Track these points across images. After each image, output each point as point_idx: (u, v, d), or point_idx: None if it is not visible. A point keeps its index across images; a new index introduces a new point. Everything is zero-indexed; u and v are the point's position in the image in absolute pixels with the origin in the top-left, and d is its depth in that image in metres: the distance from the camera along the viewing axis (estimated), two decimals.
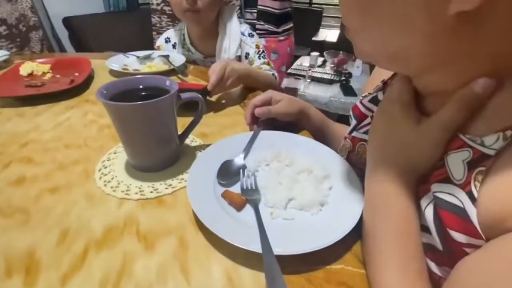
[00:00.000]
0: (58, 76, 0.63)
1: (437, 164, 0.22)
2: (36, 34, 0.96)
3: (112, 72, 0.68)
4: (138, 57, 0.74)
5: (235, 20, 0.77)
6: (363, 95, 0.35)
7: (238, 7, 0.99)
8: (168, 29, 0.87)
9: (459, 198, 0.19)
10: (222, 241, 0.24)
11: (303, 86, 1.60)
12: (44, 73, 0.64)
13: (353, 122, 0.37)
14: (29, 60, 0.67)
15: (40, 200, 0.30)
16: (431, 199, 0.21)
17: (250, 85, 0.62)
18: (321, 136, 0.46)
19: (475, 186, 0.18)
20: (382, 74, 0.34)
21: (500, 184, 0.17)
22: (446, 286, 0.18)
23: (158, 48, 0.83)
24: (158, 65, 0.71)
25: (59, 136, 0.42)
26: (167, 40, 0.83)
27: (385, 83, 0.32)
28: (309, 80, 1.67)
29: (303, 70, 1.80)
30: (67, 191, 0.32)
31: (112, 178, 0.33)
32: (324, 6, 3.01)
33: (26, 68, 0.64)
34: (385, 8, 0.20)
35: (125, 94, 0.32)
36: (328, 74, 1.75)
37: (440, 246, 0.21)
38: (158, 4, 1.00)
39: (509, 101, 0.18)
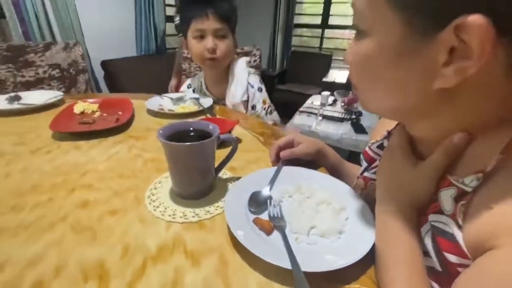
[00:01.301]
0: (105, 114, 0.74)
1: (433, 198, 0.27)
2: (83, 76, 1.11)
3: (150, 112, 0.78)
4: (172, 98, 0.85)
5: (242, 69, 0.90)
6: (371, 142, 0.42)
7: (258, 57, 1.13)
8: (196, 73, 1.00)
9: (449, 225, 0.24)
10: (256, 260, 0.29)
11: (315, 123, 1.69)
12: (93, 112, 0.75)
13: (364, 164, 0.44)
14: (80, 100, 0.79)
15: (102, 221, 0.36)
16: (429, 228, 0.26)
17: None
18: (336, 173, 0.51)
19: (460, 216, 0.23)
20: (385, 125, 0.41)
21: (477, 215, 0.22)
22: None
23: (182, 91, 0.98)
24: (190, 106, 0.81)
25: (111, 167, 0.50)
26: (189, 86, 1.00)
27: (389, 133, 0.39)
28: (320, 118, 1.77)
29: (315, 108, 1.91)
30: (124, 214, 0.38)
31: (160, 204, 0.40)
32: (333, 50, 3.24)
33: (78, 107, 0.75)
34: (387, 77, 0.27)
35: (178, 135, 0.40)
36: (339, 112, 1.85)
37: (439, 268, 0.25)
38: (188, 53, 1.16)
39: (478, 151, 0.24)
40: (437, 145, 0.27)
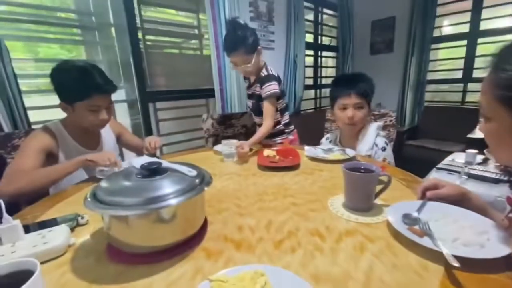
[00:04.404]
0: (282, 157, 1.12)
1: None
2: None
3: (308, 157, 1.11)
4: (323, 149, 1.16)
5: (373, 131, 1.16)
6: None
7: (394, 117, 1.32)
8: (334, 130, 1.31)
9: None
10: (412, 246, 0.48)
11: (458, 182, 1.57)
12: (274, 156, 1.15)
13: (508, 208, 0.54)
14: (265, 148, 1.23)
15: (308, 213, 0.65)
16: None
17: None
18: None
19: None
20: None
21: None
22: None
23: (321, 143, 1.33)
24: (338, 155, 1.09)
25: (300, 187, 0.81)
26: (327, 138, 1.34)
27: None
28: (465, 177, 1.62)
29: (456, 166, 1.77)
30: (319, 212, 0.65)
31: (337, 211, 0.65)
32: None
33: (265, 152, 1.17)
34: (506, 143, 0.43)
35: (354, 169, 0.66)
36: (492, 173, 1.63)
37: None
38: (332, 116, 1.51)
39: None
40: None
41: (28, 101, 1.41)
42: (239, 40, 1.29)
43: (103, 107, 0.99)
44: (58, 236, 0.54)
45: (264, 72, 1.43)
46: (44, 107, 1.52)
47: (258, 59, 1.38)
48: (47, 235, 0.54)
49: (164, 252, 0.50)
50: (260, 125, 1.59)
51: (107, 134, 1.17)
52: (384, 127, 1.41)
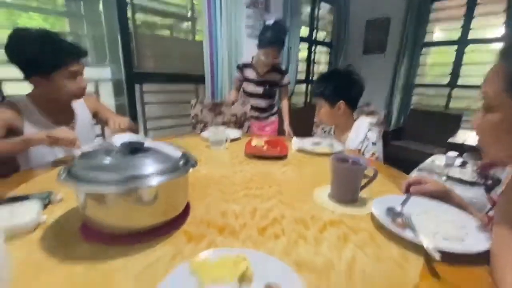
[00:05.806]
0: (270, 147, 1.11)
1: None
2: (247, 123, 1.64)
3: (296, 149, 1.11)
4: (312, 142, 1.16)
5: (364, 126, 1.17)
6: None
7: (383, 115, 1.34)
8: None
9: None
10: (393, 238, 0.48)
11: None
12: (262, 145, 1.13)
13: (488, 205, 0.55)
14: (254, 137, 1.21)
15: (295, 203, 0.64)
16: None
17: None
18: None
19: None
20: None
21: None
22: None
23: (315, 133, 1.35)
24: (325, 148, 1.09)
25: (288, 177, 0.80)
26: (323, 128, 1.37)
27: None
28: (444, 178, 1.68)
29: (437, 168, 1.83)
30: (305, 201, 0.65)
31: (323, 202, 0.65)
32: (464, 110, 2.97)
33: (253, 141, 1.15)
34: (505, 137, 0.43)
35: (342, 161, 0.65)
36: (469, 176, 1.70)
37: None
38: None
39: None
40: None
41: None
42: (279, 39, 1.65)
43: (79, 72, 0.95)
44: (27, 212, 0.50)
45: (281, 66, 1.90)
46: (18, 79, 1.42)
47: None
48: (15, 211, 0.50)
49: (142, 233, 0.48)
50: (264, 109, 1.89)
51: (81, 111, 1.10)
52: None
